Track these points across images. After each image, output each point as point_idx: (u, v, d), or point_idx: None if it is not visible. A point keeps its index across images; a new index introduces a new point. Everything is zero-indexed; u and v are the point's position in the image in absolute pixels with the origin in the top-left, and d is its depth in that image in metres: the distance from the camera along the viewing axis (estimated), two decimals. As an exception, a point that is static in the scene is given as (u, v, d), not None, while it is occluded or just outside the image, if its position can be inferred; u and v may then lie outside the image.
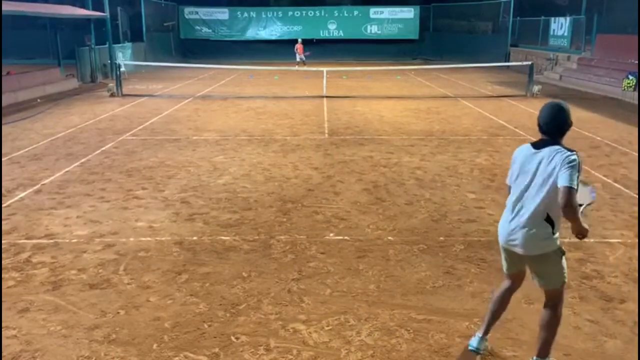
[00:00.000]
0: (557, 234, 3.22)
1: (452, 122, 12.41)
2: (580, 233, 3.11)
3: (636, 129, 11.31)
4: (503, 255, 3.51)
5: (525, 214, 3.22)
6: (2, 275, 4.74)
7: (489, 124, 12.25)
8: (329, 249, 5.35)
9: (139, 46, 27.30)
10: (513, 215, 3.29)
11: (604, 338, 3.84)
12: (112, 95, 16.71)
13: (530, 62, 18.01)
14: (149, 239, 5.60)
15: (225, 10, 35.22)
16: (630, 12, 18.16)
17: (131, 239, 5.58)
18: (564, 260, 3.29)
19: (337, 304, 4.28)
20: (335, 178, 7.82)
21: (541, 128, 3.22)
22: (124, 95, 16.67)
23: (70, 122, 12.32)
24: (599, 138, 10.68)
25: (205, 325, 3.96)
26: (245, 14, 35.41)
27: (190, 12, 34.98)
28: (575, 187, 3.00)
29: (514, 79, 21.60)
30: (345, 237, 5.64)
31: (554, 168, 3.08)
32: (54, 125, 12.02)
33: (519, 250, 3.28)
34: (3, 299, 4.32)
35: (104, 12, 21.53)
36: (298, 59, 25.18)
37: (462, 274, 4.80)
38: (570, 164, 3.03)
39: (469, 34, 33.57)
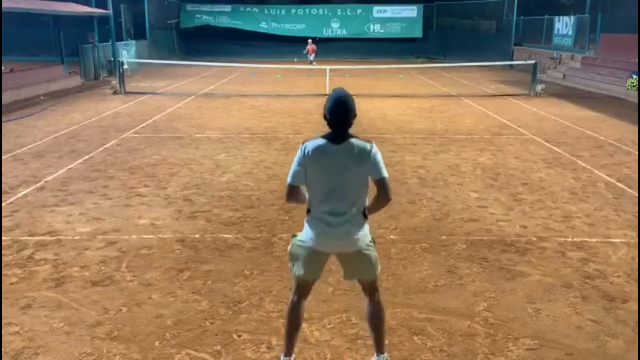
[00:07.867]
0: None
1: (455, 121, 12.39)
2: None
3: (640, 129, 11.29)
4: (307, 262, 3.19)
5: (347, 211, 3.06)
6: (5, 272, 4.76)
7: (492, 122, 12.22)
8: (331, 247, 5.34)
9: (142, 44, 27.32)
10: (333, 216, 3.07)
11: (606, 338, 3.83)
12: (115, 92, 16.72)
13: (533, 61, 17.98)
14: (151, 236, 5.60)
15: (228, 7, 35.24)
16: (634, 12, 18.09)
17: (133, 237, 5.59)
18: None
19: (339, 302, 4.28)
20: (337, 176, 7.80)
21: (333, 120, 3.03)
22: (126, 93, 16.69)
23: (73, 120, 12.34)
24: (602, 137, 10.65)
25: (207, 323, 3.97)
26: (248, 9, 35.42)
27: (192, 7, 35.09)
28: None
29: (517, 77, 21.54)
30: (347, 236, 5.63)
31: (366, 162, 3.03)
32: (57, 122, 12.04)
33: (348, 249, 3.13)
34: (6, 296, 4.34)
35: (107, 9, 21.54)
36: (310, 58, 26.04)
37: (464, 273, 4.80)
38: (380, 156, 3.06)
39: (472, 32, 33.52)
